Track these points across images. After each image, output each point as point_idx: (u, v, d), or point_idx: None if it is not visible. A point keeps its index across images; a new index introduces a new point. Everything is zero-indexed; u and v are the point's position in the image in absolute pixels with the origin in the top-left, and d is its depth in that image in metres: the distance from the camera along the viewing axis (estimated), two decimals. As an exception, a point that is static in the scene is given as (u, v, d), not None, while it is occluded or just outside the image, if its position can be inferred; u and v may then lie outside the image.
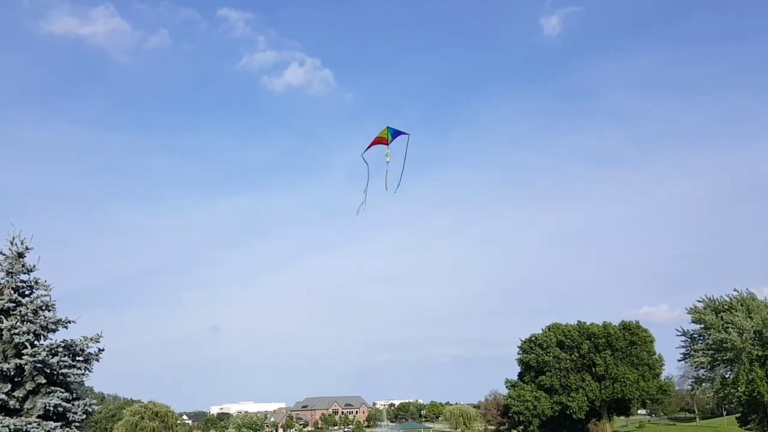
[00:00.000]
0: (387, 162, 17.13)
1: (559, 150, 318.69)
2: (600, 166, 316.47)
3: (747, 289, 57.74)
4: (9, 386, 15.84)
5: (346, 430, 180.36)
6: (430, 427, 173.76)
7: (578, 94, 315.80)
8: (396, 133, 17.13)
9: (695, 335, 59.35)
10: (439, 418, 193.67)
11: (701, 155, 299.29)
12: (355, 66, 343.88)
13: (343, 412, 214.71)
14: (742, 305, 55.60)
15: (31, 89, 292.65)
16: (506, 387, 78.18)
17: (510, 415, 75.65)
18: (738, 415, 61.60)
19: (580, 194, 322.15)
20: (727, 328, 53.80)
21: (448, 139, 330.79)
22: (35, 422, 15.51)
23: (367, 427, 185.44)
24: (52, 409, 16.01)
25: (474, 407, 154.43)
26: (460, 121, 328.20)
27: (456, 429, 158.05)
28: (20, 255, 17.64)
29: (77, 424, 16.78)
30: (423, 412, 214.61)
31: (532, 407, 70.00)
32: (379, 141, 17.17)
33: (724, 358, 54.78)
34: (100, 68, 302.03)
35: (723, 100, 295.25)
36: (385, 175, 17.20)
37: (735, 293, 57.68)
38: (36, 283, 17.68)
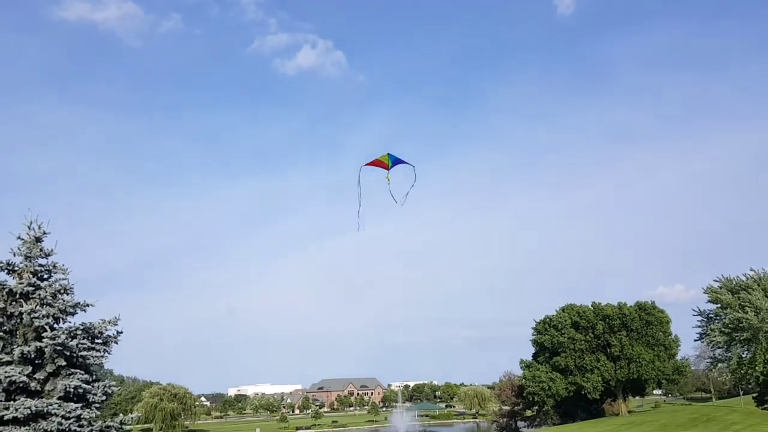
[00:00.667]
0: (388, 184, 17.63)
1: (575, 128, 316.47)
2: (616, 143, 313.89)
3: (763, 269, 57.32)
4: (30, 369, 16.09)
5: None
6: (445, 407, 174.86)
7: (595, 71, 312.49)
8: (397, 161, 17.58)
9: (712, 315, 59.06)
10: (454, 399, 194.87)
11: (720, 132, 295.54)
12: (367, 48, 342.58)
13: (358, 394, 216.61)
14: (758, 285, 55.19)
15: (47, 73, 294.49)
16: (521, 368, 78.24)
17: (525, 395, 75.81)
18: (755, 394, 61.38)
19: (597, 172, 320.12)
20: (744, 307, 53.46)
21: (463, 118, 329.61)
22: (56, 403, 15.76)
23: (383, 408, 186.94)
24: (72, 390, 16.25)
25: (488, 388, 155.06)
26: (475, 99, 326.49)
27: (471, 409, 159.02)
28: (38, 239, 17.82)
29: (97, 405, 17.03)
30: (438, 393, 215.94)
31: (547, 388, 70.05)
32: (379, 163, 17.49)
33: (741, 337, 54.50)
34: (114, 53, 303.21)
35: (743, 74, 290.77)
36: (390, 193, 17.84)
37: (752, 273, 57.25)
38: (54, 267, 17.86)
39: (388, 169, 17.53)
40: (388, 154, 17.53)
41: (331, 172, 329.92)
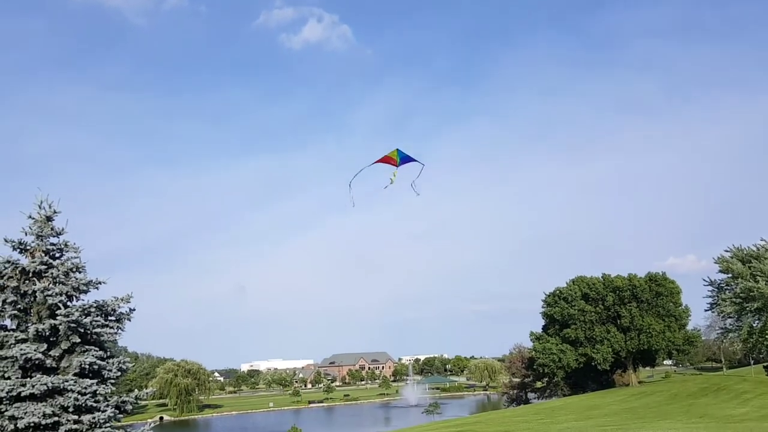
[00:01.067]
0: (391, 182, 17.20)
1: (586, 100, 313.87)
2: (628, 115, 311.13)
3: (775, 238, 56.81)
4: (45, 346, 16.26)
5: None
6: (455, 380, 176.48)
7: (605, 42, 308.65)
8: (406, 159, 17.16)
9: (722, 285, 58.80)
10: (464, 372, 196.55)
11: (731, 102, 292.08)
12: (373, 21, 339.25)
13: (369, 368, 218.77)
14: (770, 254, 54.81)
15: (54, 54, 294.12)
16: (531, 340, 78.57)
17: (535, 367, 76.25)
18: (766, 364, 61.43)
19: (608, 145, 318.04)
20: (756, 276, 53.20)
21: (474, 93, 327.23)
22: (72, 380, 15.96)
23: (393, 381, 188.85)
24: (87, 367, 16.42)
25: (499, 361, 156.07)
26: (483, 73, 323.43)
27: (481, 382, 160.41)
28: (49, 218, 17.87)
29: (112, 380, 17.24)
30: (448, 366, 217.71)
31: (557, 359, 70.39)
32: (387, 160, 17.10)
33: (752, 307, 54.31)
34: (119, 31, 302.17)
35: (755, 43, 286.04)
36: (386, 187, 17.43)
37: (763, 242, 56.83)
38: (65, 245, 17.92)
39: (396, 166, 17.14)
40: (397, 149, 17.13)
41: (338, 149, 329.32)
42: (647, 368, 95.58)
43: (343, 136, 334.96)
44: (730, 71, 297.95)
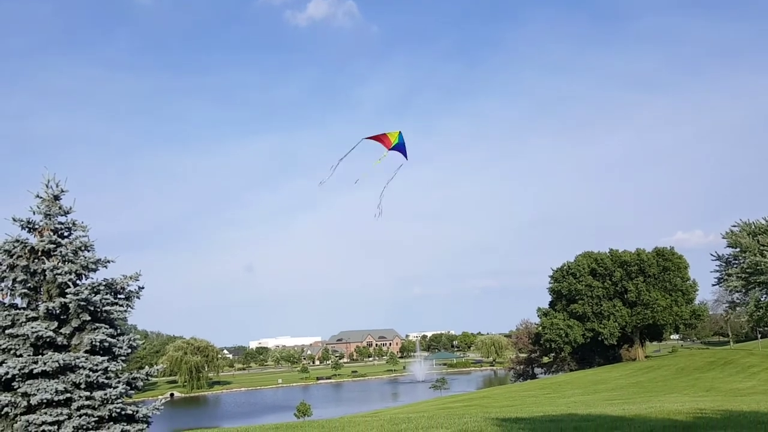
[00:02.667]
0: (377, 162, 16.59)
1: (593, 76, 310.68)
2: (636, 91, 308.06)
3: (785, 212, 56.45)
4: (56, 324, 16.37)
5: None
6: (462, 356, 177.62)
7: (612, 17, 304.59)
8: (400, 147, 16.58)
9: (730, 259, 58.63)
10: (471, 348, 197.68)
11: (740, 77, 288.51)
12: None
13: (377, 345, 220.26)
14: (779, 228, 54.50)
15: (59, 35, 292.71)
16: (538, 316, 78.92)
17: (542, 342, 76.63)
18: (773, 337, 61.48)
19: (615, 121, 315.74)
20: (763, 251, 52.98)
21: (480, 69, 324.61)
22: (83, 357, 16.08)
23: (401, 358, 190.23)
24: (98, 344, 16.52)
25: (505, 336, 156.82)
26: (490, 51, 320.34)
27: (488, 357, 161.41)
28: (56, 197, 17.85)
29: (123, 358, 17.35)
30: (455, 343, 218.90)
31: (564, 334, 70.68)
32: (383, 139, 16.56)
33: (759, 280, 54.17)
34: (123, 10, 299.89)
35: (765, 16, 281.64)
36: (373, 163, 16.73)
37: (772, 216, 56.45)
38: (74, 224, 17.92)
39: (389, 148, 16.40)
40: (399, 132, 16.45)
41: (345, 127, 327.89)
42: (654, 343, 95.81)
43: (350, 113, 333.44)
44: (740, 45, 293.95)
